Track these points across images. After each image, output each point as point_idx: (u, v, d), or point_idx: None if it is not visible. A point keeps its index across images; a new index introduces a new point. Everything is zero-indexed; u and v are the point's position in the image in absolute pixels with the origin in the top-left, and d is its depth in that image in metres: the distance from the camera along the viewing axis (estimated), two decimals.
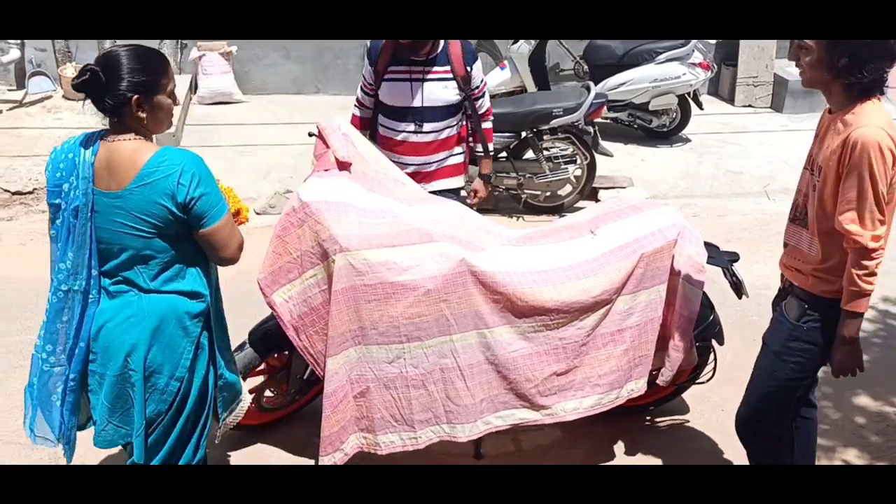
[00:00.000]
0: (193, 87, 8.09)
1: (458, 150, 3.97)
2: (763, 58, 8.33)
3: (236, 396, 2.74)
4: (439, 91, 3.74)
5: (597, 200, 5.90)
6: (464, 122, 3.99)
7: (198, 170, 2.28)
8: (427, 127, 3.71)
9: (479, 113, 3.95)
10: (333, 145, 3.06)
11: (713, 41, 8.33)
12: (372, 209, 2.97)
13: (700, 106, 7.19)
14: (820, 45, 2.42)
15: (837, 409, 3.77)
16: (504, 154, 5.94)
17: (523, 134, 5.87)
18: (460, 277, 2.86)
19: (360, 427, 2.94)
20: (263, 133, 7.09)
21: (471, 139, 4.08)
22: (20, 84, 7.55)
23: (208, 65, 7.91)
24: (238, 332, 3.32)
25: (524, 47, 7.00)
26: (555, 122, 5.78)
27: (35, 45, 7.47)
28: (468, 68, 3.75)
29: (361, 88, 3.91)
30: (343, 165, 3.04)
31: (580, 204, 5.98)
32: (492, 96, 6.85)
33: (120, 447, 2.60)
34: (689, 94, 7.10)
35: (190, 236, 2.35)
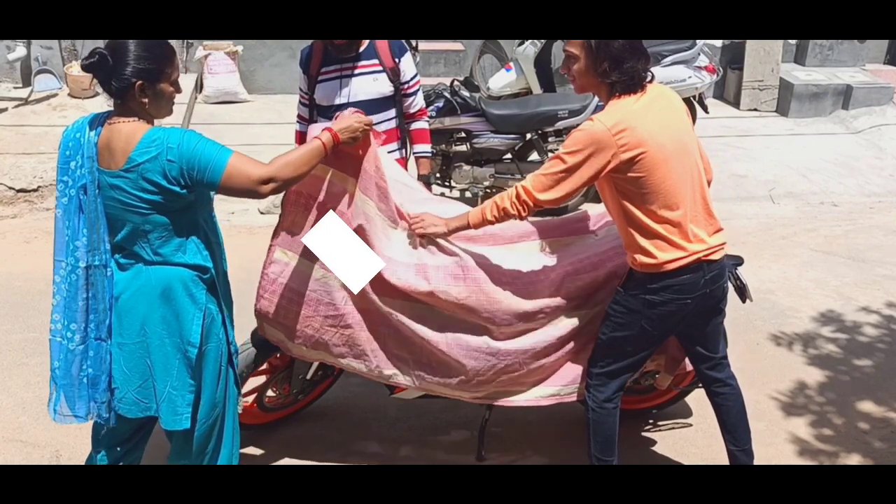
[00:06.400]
0: (199, 86, 8.10)
1: (396, 146, 3.87)
2: (769, 62, 8.31)
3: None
4: (369, 84, 3.67)
5: (600, 201, 5.89)
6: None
7: (181, 142, 2.33)
8: None
9: (411, 112, 3.86)
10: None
11: (719, 44, 8.31)
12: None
13: (705, 109, 7.16)
14: (584, 52, 2.60)
15: (841, 414, 3.76)
16: (509, 156, 5.94)
17: (528, 136, 5.86)
18: (462, 272, 2.88)
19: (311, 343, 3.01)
20: (269, 133, 7.09)
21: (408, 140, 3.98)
22: (26, 82, 7.57)
23: (214, 64, 7.92)
24: (240, 332, 3.32)
25: (530, 49, 6.99)
26: (560, 125, 5.77)
27: (41, 43, 7.49)
28: (396, 60, 3.69)
29: (300, 100, 3.88)
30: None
31: (584, 206, 5.97)
32: (497, 98, 6.93)
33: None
34: (694, 97, 7.07)
35: (190, 210, 2.45)
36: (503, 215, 2.74)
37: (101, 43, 2.39)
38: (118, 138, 2.34)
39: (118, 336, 2.48)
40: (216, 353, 2.58)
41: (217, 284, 2.57)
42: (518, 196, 2.70)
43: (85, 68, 2.35)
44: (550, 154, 5.84)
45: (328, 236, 2.79)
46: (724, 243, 2.78)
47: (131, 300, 2.45)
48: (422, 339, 2.93)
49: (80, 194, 2.37)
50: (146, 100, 2.37)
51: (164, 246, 2.43)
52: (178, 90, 2.48)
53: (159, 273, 2.44)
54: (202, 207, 2.51)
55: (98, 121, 2.41)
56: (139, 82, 2.34)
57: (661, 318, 2.76)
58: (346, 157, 2.85)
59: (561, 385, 3.06)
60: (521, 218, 2.76)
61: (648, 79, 2.69)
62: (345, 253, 2.77)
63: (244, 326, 3.33)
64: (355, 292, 2.81)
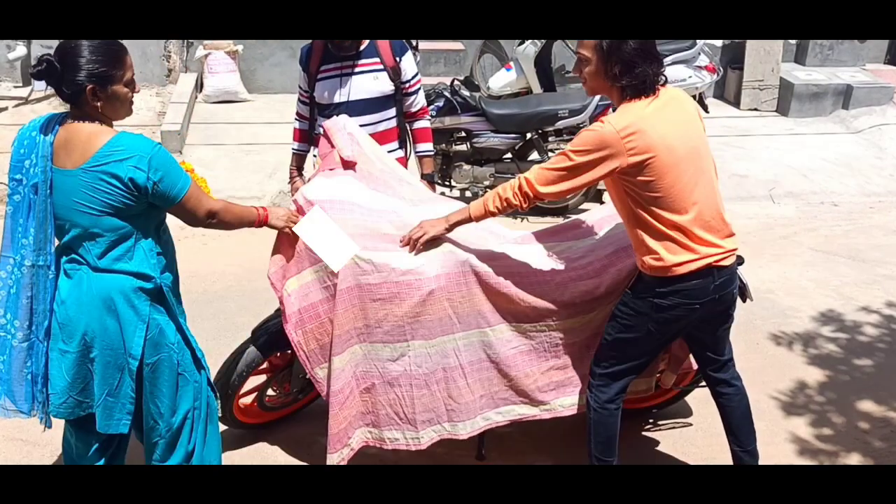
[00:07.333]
0: (199, 85, 8.10)
1: (396, 145, 3.87)
2: (769, 61, 8.31)
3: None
4: (370, 82, 3.67)
5: (601, 202, 5.90)
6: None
7: (153, 154, 2.33)
8: (361, 120, 3.56)
9: (412, 111, 3.86)
10: (339, 144, 3.07)
11: (719, 44, 8.31)
12: (377, 209, 2.99)
13: (706, 109, 7.16)
14: (595, 55, 2.60)
15: (841, 414, 3.77)
16: (509, 155, 5.94)
17: (528, 135, 5.86)
18: (464, 277, 2.87)
19: (366, 422, 2.97)
20: (269, 132, 7.10)
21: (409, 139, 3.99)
22: (26, 81, 7.58)
23: (214, 64, 7.92)
24: (241, 331, 3.32)
25: (530, 49, 6.99)
26: (560, 124, 5.77)
27: (41, 43, 7.49)
28: (397, 59, 3.69)
29: (299, 99, 3.87)
30: (348, 164, 3.05)
31: (585, 206, 5.97)
32: (497, 97, 6.93)
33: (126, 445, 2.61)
34: (694, 96, 7.09)
35: (141, 217, 2.42)
36: (506, 206, 2.75)
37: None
38: (78, 138, 2.33)
39: (61, 343, 2.45)
40: (170, 363, 2.54)
41: (166, 293, 2.52)
42: (520, 187, 2.71)
43: (35, 77, 2.32)
44: (551, 154, 5.85)
45: (314, 226, 2.87)
46: (735, 248, 2.76)
47: (73, 308, 2.41)
48: (437, 375, 2.93)
49: (31, 193, 2.36)
50: (100, 103, 2.34)
51: (112, 251, 2.39)
52: (134, 90, 2.44)
53: (101, 282, 2.40)
54: (154, 215, 2.48)
55: (55, 120, 2.38)
56: (90, 86, 2.30)
57: (667, 322, 2.75)
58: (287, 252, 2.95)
59: (582, 395, 3.06)
60: (523, 209, 2.77)
61: (661, 82, 2.67)
62: (327, 240, 2.86)
63: (244, 326, 3.34)
64: (336, 270, 2.82)
